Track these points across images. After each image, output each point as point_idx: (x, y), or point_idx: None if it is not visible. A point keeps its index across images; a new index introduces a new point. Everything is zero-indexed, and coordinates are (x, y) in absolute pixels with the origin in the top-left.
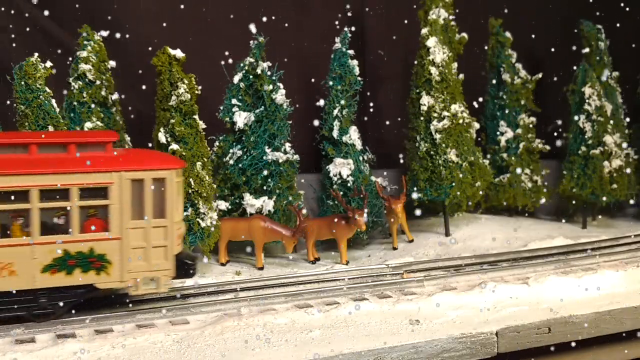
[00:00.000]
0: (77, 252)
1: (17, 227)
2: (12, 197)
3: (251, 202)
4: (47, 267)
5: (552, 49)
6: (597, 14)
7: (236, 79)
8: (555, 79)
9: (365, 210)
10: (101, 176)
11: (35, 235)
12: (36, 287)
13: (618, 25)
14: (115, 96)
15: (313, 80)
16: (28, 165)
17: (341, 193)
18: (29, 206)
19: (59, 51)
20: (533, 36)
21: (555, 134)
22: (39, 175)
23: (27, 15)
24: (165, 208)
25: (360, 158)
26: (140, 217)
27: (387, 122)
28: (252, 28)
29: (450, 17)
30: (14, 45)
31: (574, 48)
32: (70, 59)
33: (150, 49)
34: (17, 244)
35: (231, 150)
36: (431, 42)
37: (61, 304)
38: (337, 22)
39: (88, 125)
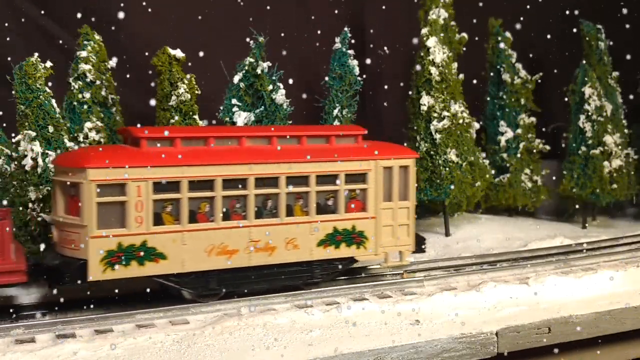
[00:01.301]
0: (343, 229)
1: (298, 207)
2: (295, 182)
3: None
4: (321, 241)
5: (552, 49)
6: (597, 14)
7: (236, 79)
8: (555, 79)
9: None
10: (362, 164)
11: (312, 214)
12: (312, 259)
13: (618, 25)
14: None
15: (313, 80)
16: (304, 154)
17: None
18: (308, 189)
19: (59, 51)
20: (533, 36)
21: (556, 134)
22: (316, 163)
23: (27, 15)
24: (408, 191)
25: None
26: (390, 199)
27: (387, 122)
28: (252, 28)
29: (450, 18)
30: (14, 45)
31: (574, 48)
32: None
33: (150, 49)
34: (299, 222)
35: None
36: (431, 42)
37: (327, 274)
38: (337, 22)
39: (88, 125)
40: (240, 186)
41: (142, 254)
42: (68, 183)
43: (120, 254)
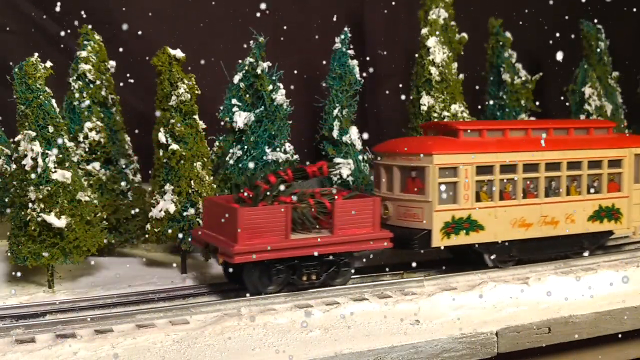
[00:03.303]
0: (606, 206)
1: (573, 188)
2: (572, 167)
3: None
4: (590, 217)
5: (552, 49)
6: (597, 14)
7: (236, 79)
8: (555, 79)
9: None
10: (620, 151)
11: (584, 194)
12: (585, 231)
13: (618, 25)
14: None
15: (313, 80)
16: (578, 144)
17: None
18: (581, 172)
19: (59, 51)
20: (533, 36)
21: None
22: (587, 150)
23: (27, 15)
24: None
25: (360, 158)
26: (638, 181)
27: (387, 122)
28: (252, 28)
29: (450, 18)
30: (14, 45)
31: (574, 48)
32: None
33: (150, 49)
34: (576, 200)
35: (231, 150)
36: (431, 42)
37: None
38: (337, 22)
39: (88, 125)
40: (534, 170)
41: (468, 225)
42: (411, 167)
43: (454, 225)
